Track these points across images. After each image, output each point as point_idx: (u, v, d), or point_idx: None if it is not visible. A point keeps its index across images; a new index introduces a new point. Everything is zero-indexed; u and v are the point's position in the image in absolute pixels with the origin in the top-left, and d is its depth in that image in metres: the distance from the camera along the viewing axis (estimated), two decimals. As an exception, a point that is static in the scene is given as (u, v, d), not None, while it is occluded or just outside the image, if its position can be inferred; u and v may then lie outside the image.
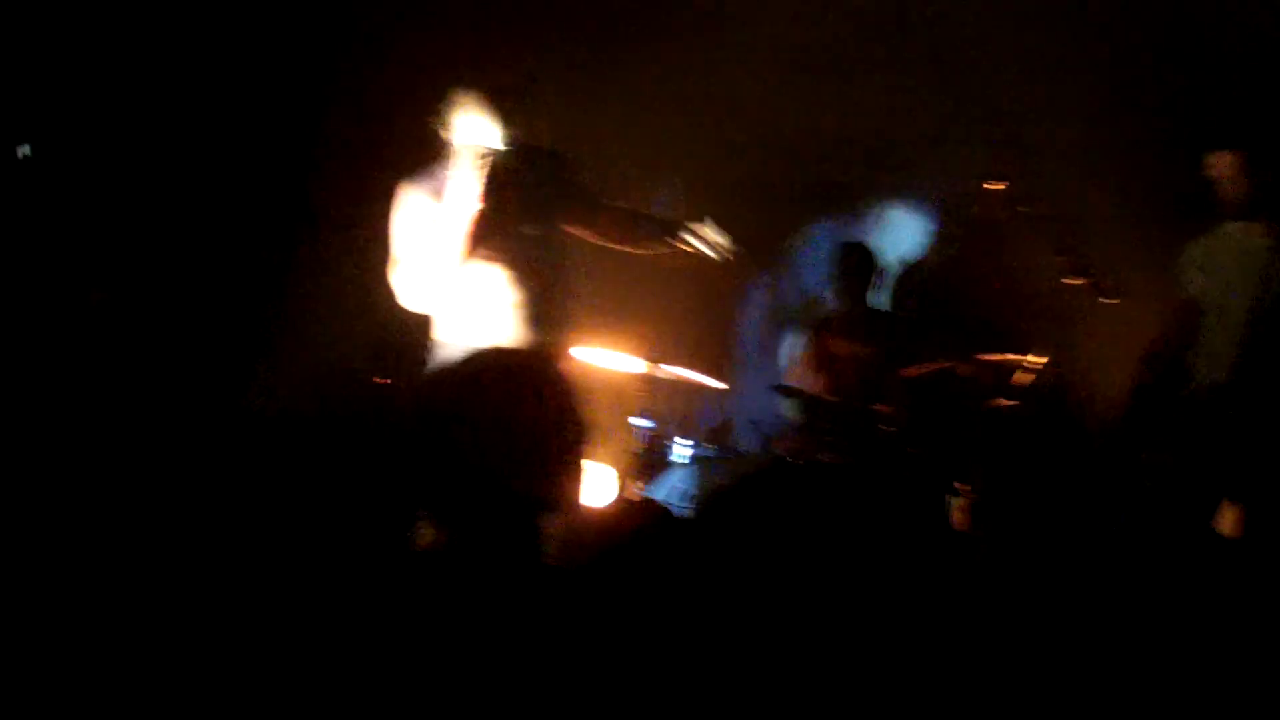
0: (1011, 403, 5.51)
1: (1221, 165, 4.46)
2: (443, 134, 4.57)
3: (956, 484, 5.45)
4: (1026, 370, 5.37)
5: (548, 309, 4.70)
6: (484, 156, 4.53)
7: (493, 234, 4.56)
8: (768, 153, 6.50)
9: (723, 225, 6.06)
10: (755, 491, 2.63)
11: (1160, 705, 2.45)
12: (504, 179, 4.53)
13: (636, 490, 5.62)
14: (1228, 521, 4.41)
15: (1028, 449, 5.53)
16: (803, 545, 2.51)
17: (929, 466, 5.64)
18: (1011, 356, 5.47)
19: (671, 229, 4.76)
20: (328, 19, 6.10)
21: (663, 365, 5.80)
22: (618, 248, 4.97)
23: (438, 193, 4.62)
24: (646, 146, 6.18)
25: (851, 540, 2.46)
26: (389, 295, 4.82)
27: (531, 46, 6.07)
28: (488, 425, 2.50)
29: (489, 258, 4.61)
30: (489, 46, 6.02)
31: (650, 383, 5.79)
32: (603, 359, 5.68)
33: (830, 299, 6.27)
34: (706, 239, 4.71)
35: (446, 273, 4.61)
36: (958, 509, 5.44)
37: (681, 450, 5.89)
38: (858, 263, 6.13)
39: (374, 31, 6.17)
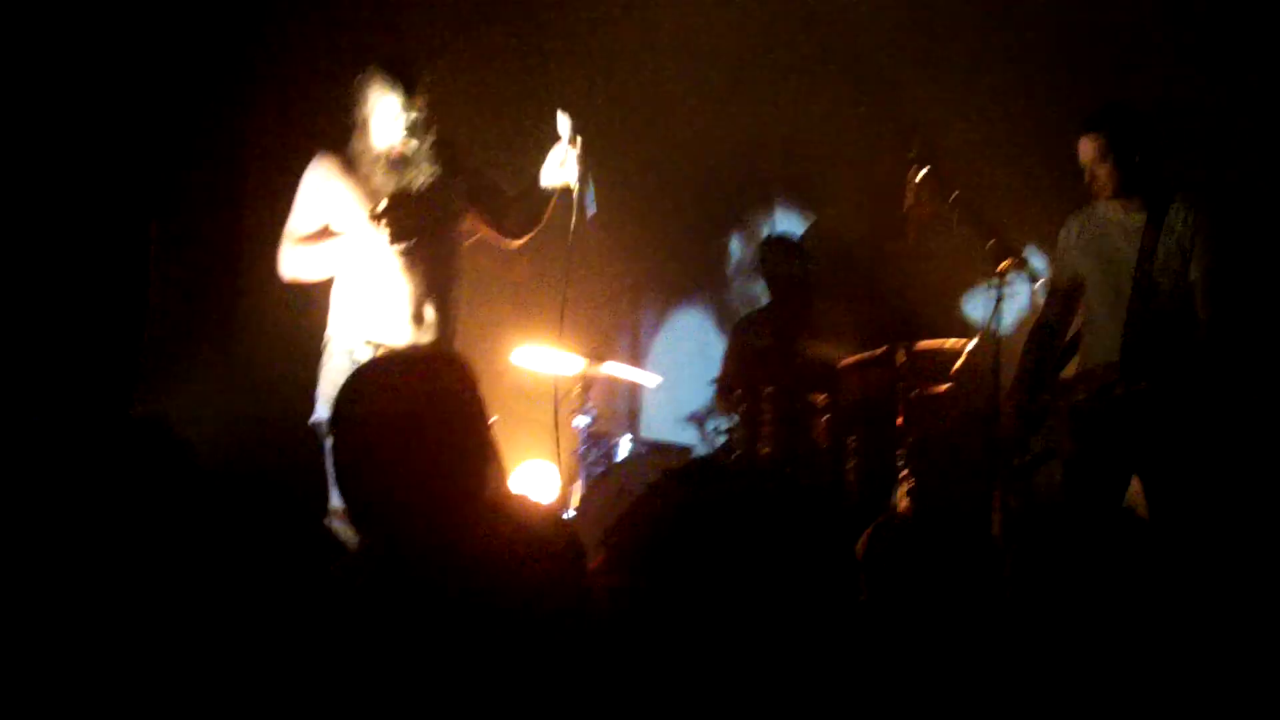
0: (947, 387, 5.56)
1: (1087, 149, 4.55)
2: (353, 116, 4.63)
3: (899, 471, 5.49)
4: (961, 355, 5.42)
5: (445, 303, 4.74)
6: (391, 141, 4.60)
7: (393, 222, 4.59)
8: (687, 152, 6.54)
9: (649, 224, 6.09)
10: (689, 488, 2.62)
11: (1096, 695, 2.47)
12: (408, 165, 4.61)
13: (577, 489, 5.63)
14: (1137, 498, 4.48)
15: (962, 436, 5.58)
16: (738, 541, 2.48)
17: (869, 455, 5.68)
18: (946, 342, 5.51)
19: (549, 190, 4.84)
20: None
21: (601, 364, 5.81)
22: (518, 234, 4.99)
23: (344, 174, 4.66)
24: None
25: (791, 535, 2.44)
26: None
27: (446, 36, 6.11)
28: (394, 430, 2.48)
29: (391, 248, 4.64)
30: (401, 30, 6.06)
31: (589, 381, 5.79)
32: (541, 359, 5.67)
33: (760, 293, 6.29)
34: (576, 166, 4.79)
35: (341, 253, 4.64)
36: (902, 495, 5.47)
37: (621, 448, 5.90)
38: (784, 256, 6.16)
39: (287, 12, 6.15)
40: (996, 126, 6.06)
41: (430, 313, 4.68)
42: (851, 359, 5.74)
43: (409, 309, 4.65)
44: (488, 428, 2.48)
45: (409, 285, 4.64)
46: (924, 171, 4.92)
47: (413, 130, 4.62)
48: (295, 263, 4.70)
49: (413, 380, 2.47)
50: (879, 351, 5.61)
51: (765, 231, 6.73)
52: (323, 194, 4.69)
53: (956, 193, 4.93)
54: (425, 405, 2.41)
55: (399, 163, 4.64)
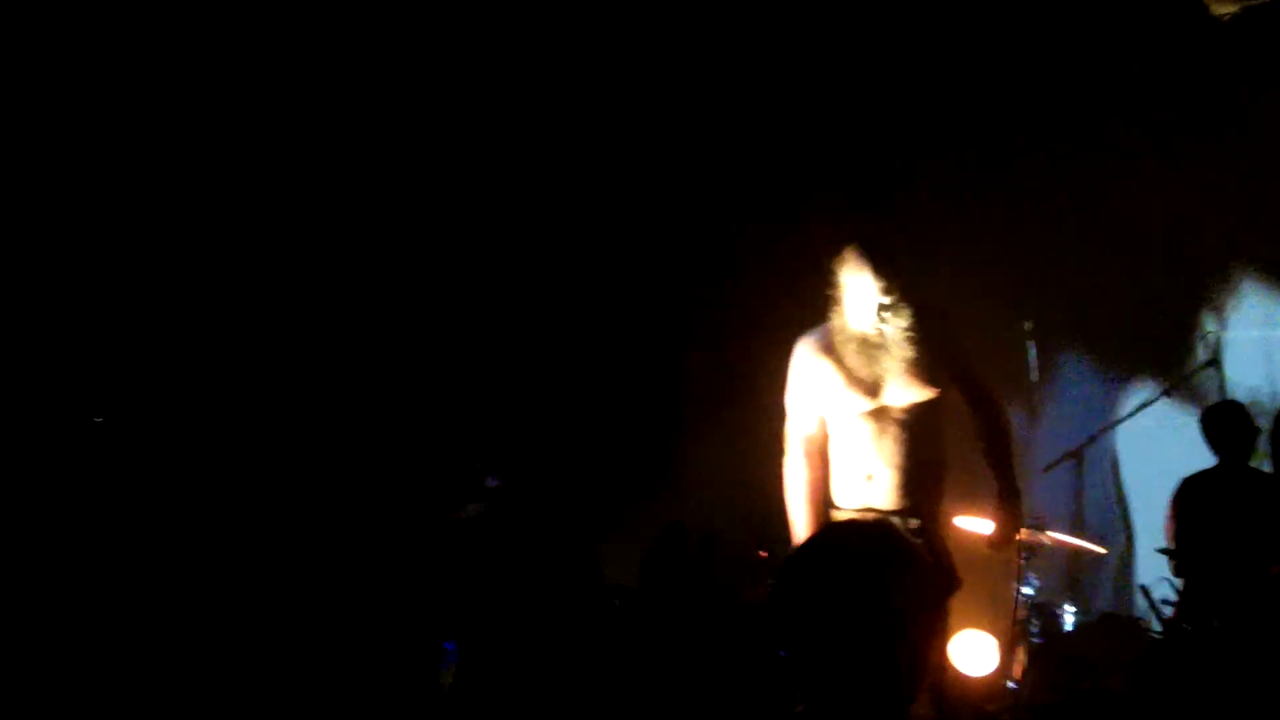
0: None
1: None
2: (833, 292, 4.76)
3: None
4: None
5: (926, 471, 4.83)
6: (863, 325, 4.71)
7: (873, 394, 4.77)
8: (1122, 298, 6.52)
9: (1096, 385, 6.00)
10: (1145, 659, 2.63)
11: None
12: (880, 349, 4.73)
13: (1019, 659, 5.60)
14: None
15: None
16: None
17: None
18: None
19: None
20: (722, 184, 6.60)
21: (1045, 531, 5.79)
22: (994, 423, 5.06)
23: (823, 354, 4.82)
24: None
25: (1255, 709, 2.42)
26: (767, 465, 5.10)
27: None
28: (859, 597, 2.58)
29: (871, 418, 4.81)
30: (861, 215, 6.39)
31: (1032, 549, 5.78)
32: (984, 525, 5.72)
33: (1211, 459, 6.11)
34: None
35: (830, 438, 4.86)
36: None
37: (1066, 618, 5.83)
38: (1231, 421, 5.96)
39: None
40: None
41: (887, 478, 4.78)
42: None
43: (861, 473, 4.82)
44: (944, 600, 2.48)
45: (867, 452, 4.79)
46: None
47: (885, 315, 4.64)
48: (791, 458, 4.99)
49: (852, 549, 2.55)
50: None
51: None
52: (807, 377, 4.86)
53: None
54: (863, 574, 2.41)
55: (872, 346, 4.70)
